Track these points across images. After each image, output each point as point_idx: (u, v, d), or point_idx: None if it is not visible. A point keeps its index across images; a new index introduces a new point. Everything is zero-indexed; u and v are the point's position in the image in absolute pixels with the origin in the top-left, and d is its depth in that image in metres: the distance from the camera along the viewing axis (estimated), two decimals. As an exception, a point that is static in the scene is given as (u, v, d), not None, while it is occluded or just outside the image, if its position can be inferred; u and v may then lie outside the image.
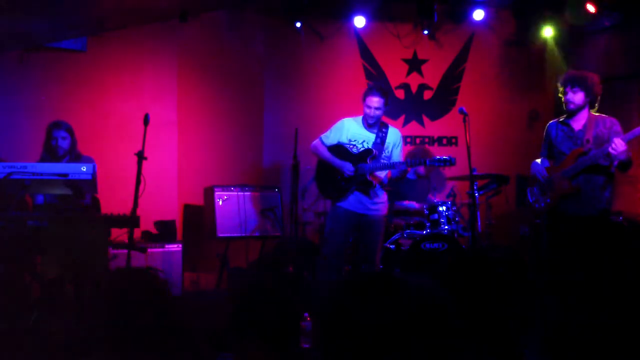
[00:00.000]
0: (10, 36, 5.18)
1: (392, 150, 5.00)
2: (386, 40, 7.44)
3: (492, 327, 1.80)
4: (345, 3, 7.12)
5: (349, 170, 4.88)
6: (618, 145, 4.15)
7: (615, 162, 4.36)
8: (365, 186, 4.90)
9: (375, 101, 4.83)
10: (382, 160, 4.93)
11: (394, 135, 5.02)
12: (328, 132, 5.07)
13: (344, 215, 4.94)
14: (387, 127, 5.01)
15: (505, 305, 1.83)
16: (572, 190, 4.43)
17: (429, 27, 7.26)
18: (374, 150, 4.91)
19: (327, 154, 5.01)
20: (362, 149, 4.94)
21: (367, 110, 4.87)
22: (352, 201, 4.93)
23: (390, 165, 4.87)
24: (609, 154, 4.33)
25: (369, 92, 4.88)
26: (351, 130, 4.99)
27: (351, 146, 4.97)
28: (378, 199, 4.97)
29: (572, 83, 4.42)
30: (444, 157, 4.79)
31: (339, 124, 5.05)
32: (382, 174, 4.97)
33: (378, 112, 4.87)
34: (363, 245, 5.11)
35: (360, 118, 5.02)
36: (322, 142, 5.05)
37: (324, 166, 5.06)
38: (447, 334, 1.30)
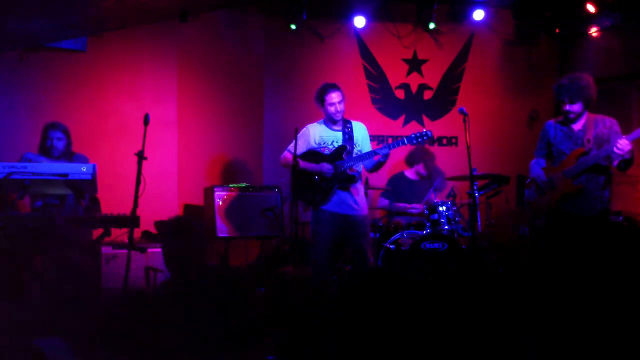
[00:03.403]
0: (10, 36, 5.18)
1: (362, 144, 4.99)
2: (386, 40, 7.44)
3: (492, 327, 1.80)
4: (345, 3, 7.12)
5: (328, 169, 4.85)
6: (623, 144, 4.15)
7: (616, 163, 4.36)
8: (347, 182, 4.86)
9: (334, 96, 4.85)
10: (354, 155, 4.91)
11: (360, 128, 5.02)
12: (294, 142, 4.94)
13: (329, 218, 4.88)
14: (350, 122, 5.00)
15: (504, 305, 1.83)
16: (576, 190, 4.43)
17: (429, 27, 7.27)
18: (347, 146, 4.89)
19: (301, 162, 4.91)
20: (333, 148, 4.92)
21: (331, 108, 4.86)
22: (336, 202, 4.87)
23: (372, 154, 4.83)
24: (608, 156, 4.34)
25: (326, 91, 4.87)
26: (317, 134, 4.98)
27: (322, 148, 4.95)
28: (360, 197, 4.95)
29: (571, 97, 4.41)
30: (420, 132, 4.81)
31: (303, 131, 5.01)
32: (359, 167, 4.96)
33: (341, 107, 4.88)
34: (352, 248, 5.02)
35: (322, 121, 5.02)
36: (291, 153, 4.94)
37: (298, 175, 4.94)
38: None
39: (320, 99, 4.89)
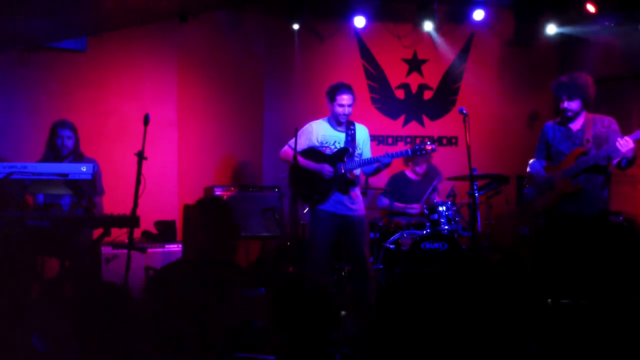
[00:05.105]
0: (11, 36, 5.18)
1: (362, 147, 4.97)
2: (386, 40, 7.44)
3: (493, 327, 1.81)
4: (345, 3, 7.13)
5: (329, 171, 4.83)
6: (625, 143, 4.15)
7: (615, 161, 4.35)
8: (347, 185, 4.85)
9: (346, 98, 4.81)
10: (355, 158, 4.90)
11: (362, 131, 5.00)
12: (294, 139, 4.91)
13: (326, 218, 4.86)
14: (354, 124, 4.98)
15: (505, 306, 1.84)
16: (575, 190, 4.43)
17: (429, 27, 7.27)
18: (349, 148, 4.88)
19: (301, 160, 4.88)
20: (335, 149, 4.89)
21: (340, 109, 4.82)
22: (333, 202, 4.86)
23: (374, 160, 4.83)
24: (608, 156, 4.34)
25: (340, 90, 4.82)
26: (321, 132, 4.94)
27: (324, 148, 4.91)
28: (357, 198, 4.93)
29: (569, 94, 4.41)
30: (425, 145, 4.82)
31: (306, 127, 4.98)
32: (357, 171, 4.95)
33: (349, 110, 4.85)
34: (351, 248, 4.97)
35: (325, 119, 4.99)
36: (292, 149, 4.90)
37: (298, 171, 4.91)
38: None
39: (332, 96, 4.85)
